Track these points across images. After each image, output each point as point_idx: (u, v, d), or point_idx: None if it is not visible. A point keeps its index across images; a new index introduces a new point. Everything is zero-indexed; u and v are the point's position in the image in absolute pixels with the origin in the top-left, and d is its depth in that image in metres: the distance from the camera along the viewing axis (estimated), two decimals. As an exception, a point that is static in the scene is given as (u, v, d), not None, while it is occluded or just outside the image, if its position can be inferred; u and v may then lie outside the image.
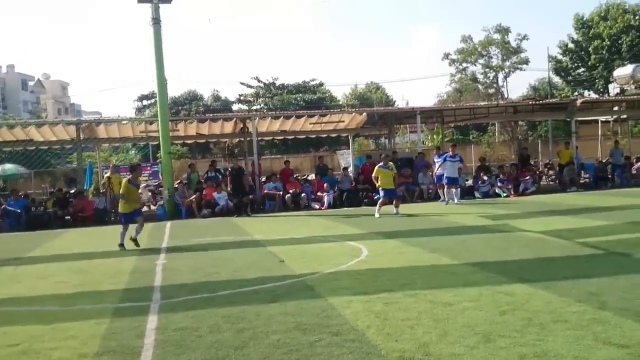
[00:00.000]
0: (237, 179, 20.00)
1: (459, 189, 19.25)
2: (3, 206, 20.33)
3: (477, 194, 21.54)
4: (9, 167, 28.40)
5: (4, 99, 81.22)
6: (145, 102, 57.42)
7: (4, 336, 5.71)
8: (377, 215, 16.16)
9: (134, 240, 12.17)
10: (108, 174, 21.58)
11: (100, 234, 16.12)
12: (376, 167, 17.32)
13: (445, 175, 18.97)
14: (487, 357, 4.39)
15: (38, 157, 28.45)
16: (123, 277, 8.72)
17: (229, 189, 20.26)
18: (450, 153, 19.29)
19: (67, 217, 20.01)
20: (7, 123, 27.49)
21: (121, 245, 12.12)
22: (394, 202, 16.81)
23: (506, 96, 54.99)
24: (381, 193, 16.95)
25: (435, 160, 20.39)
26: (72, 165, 35.06)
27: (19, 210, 19.88)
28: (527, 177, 22.28)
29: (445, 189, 19.08)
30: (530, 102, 28.73)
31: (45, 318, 6.38)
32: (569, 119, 25.35)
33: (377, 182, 17.08)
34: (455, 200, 18.72)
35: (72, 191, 22.44)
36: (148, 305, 6.72)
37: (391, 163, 17.56)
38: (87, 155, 32.66)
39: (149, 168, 30.40)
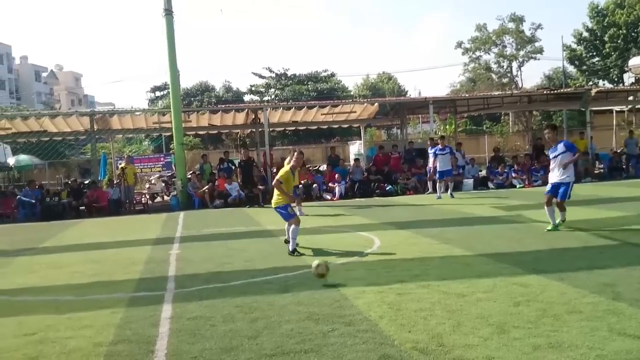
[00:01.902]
0: (246, 171, 19.97)
1: (451, 183, 18.38)
2: (18, 197, 20.54)
3: (491, 185, 21.42)
4: (23, 158, 28.64)
5: (17, 90, 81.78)
6: (158, 94, 57.49)
7: (20, 325, 5.78)
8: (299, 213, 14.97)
9: None
10: (122, 165, 21.74)
11: (115, 224, 16.25)
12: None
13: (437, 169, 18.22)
14: (501, 348, 4.38)
15: (52, 148, 28.65)
16: (137, 267, 8.78)
17: (239, 180, 20.26)
18: (440, 146, 18.39)
19: (82, 208, 20.19)
20: (21, 114, 27.70)
21: None
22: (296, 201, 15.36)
23: (520, 86, 54.56)
24: None
25: (429, 152, 19.32)
26: (86, 156, 35.29)
27: (33, 201, 20.09)
28: (539, 170, 22.08)
29: (438, 183, 18.29)
30: (544, 92, 28.50)
31: (60, 308, 6.45)
32: (583, 109, 25.12)
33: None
34: (438, 193, 17.87)
35: (87, 182, 22.60)
36: (162, 295, 6.77)
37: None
38: (100, 146, 32.87)
39: (162, 159, 30.53)
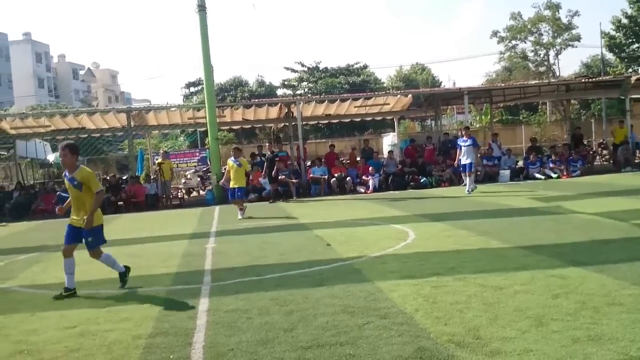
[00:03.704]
0: (271, 166, 19.47)
1: (472, 175, 17.19)
2: (58, 192, 21.06)
3: (536, 175, 20.87)
4: (63, 154, 29.33)
5: (56, 88, 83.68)
6: (192, 89, 58.13)
7: (62, 319, 5.93)
8: (240, 217, 14.42)
9: None
10: (159, 160, 22.08)
11: (152, 219, 16.55)
12: (228, 161, 15.44)
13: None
14: (540, 340, 4.31)
15: (90, 145, 29.29)
16: (175, 261, 8.92)
17: (264, 176, 19.93)
18: (464, 137, 17.50)
19: (120, 203, 20.59)
20: (60, 112, 28.32)
21: None
22: (237, 203, 14.90)
23: (557, 74, 53.36)
24: (229, 192, 15.40)
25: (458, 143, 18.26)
26: (123, 152, 35.99)
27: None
28: (577, 160, 21.59)
29: (463, 176, 17.67)
30: (582, 80, 27.83)
31: (100, 301, 6.60)
32: (623, 97, 24.46)
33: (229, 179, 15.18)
34: (467, 188, 16.85)
35: (125, 177, 23.04)
36: (199, 288, 6.86)
37: (243, 158, 15.66)
38: (137, 142, 33.49)
39: (197, 154, 30.94)
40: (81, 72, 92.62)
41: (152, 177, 22.74)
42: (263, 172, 20.12)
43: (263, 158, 21.58)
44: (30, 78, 76.37)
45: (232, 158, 15.19)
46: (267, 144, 21.07)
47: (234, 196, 14.98)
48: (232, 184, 14.91)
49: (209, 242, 10.79)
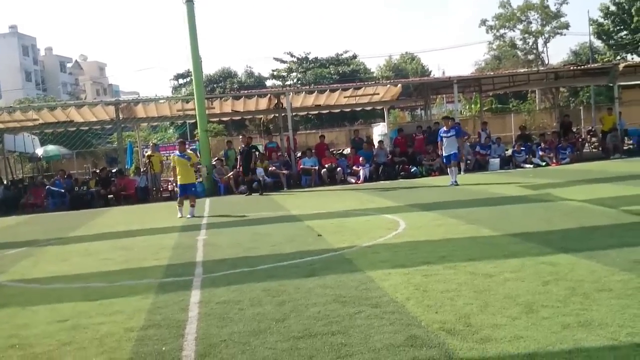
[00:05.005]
0: (246, 158, 18.90)
1: (456, 168, 16.71)
2: (47, 186, 20.94)
3: (523, 165, 20.97)
4: (51, 148, 29.20)
5: (43, 81, 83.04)
6: (181, 81, 57.88)
7: (53, 312, 5.91)
8: (179, 215, 13.75)
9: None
10: (148, 153, 21.98)
11: (142, 212, 16.50)
12: (173, 156, 14.80)
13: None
14: (530, 327, 4.35)
15: (79, 138, 29.09)
16: (166, 253, 8.90)
17: (239, 168, 19.39)
18: (444, 128, 17.02)
19: (110, 196, 20.51)
20: (48, 105, 28.11)
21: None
22: (189, 200, 14.04)
23: (546, 62, 53.48)
24: (178, 189, 14.62)
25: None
26: (112, 145, 35.77)
27: (63, 190, 20.46)
28: (566, 148, 21.71)
29: (448, 168, 17.16)
30: (571, 68, 27.91)
31: (91, 294, 6.57)
32: (611, 84, 24.57)
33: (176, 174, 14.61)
34: (451, 180, 16.24)
35: (114, 170, 22.95)
36: (191, 280, 6.86)
37: (190, 151, 15.15)
38: (127, 135, 33.27)
39: (186, 146, 30.75)
40: (69, 65, 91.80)
41: (142, 170, 22.63)
42: (238, 165, 19.63)
43: (254, 150, 21.43)
44: (17, 71, 75.70)
45: (177, 152, 14.47)
46: (241, 136, 20.40)
47: (186, 192, 14.10)
48: (182, 180, 14.09)
49: (200, 234, 10.77)
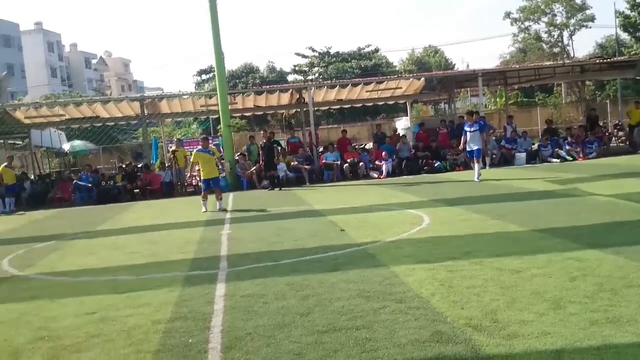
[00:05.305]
0: (268, 154, 18.98)
1: (479, 163, 16.22)
2: (74, 181, 21.27)
3: (550, 159, 20.69)
4: (77, 143, 29.64)
5: (69, 77, 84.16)
6: (204, 77, 58.23)
7: (82, 305, 6.01)
8: (203, 209, 13.88)
9: None
10: (173, 148, 22.18)
11: (168, 206, 16.67)
12: (194, 152, 15.06)
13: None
14: (557, 323, 4.30)
15: (105, 133, 29.49)
16: (191, 247, 8.99)
17: (261, 164, 19.47)
18: (468, 122, 16.51)
19: (136, 191, 20.77)
20: (74, 101, 28.52)
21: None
22: (215, 194, 14.13)
23: (572, 55, 52.61)
24: (202, 185, 14.62)
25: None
26: (138, 140, 36.16)
27: (89, 185, 20.78)
28: (593, 142, 21.38)
29: (471, 163, 16.89)
30: (597, 61, 27.47)
31: (119, 287, 6.66)
32: (638, 77, 24.12)
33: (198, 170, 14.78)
34: (475, 176, 15.75)
35: (140, 165, 23.22)
36: (216, 274, 6.92)
37: (212, 146, 15.29)
38: (151, 130, 33.62)
39: (209, 141, 30.95)
40: (93, 61, 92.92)
41: (166, 165, 22.84)
42: (260, 160, 19.72)
43: (276, 144, 21.49)
44: (42, 68, 76.71)
45: (200, 147, 14.62)
46: (262, 132, 20.48)
47: (210, 186, 14.20)
48: (205, 175, 14.19)
49: (224, 228, 10.84)
